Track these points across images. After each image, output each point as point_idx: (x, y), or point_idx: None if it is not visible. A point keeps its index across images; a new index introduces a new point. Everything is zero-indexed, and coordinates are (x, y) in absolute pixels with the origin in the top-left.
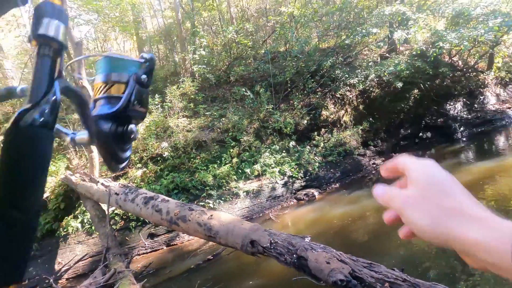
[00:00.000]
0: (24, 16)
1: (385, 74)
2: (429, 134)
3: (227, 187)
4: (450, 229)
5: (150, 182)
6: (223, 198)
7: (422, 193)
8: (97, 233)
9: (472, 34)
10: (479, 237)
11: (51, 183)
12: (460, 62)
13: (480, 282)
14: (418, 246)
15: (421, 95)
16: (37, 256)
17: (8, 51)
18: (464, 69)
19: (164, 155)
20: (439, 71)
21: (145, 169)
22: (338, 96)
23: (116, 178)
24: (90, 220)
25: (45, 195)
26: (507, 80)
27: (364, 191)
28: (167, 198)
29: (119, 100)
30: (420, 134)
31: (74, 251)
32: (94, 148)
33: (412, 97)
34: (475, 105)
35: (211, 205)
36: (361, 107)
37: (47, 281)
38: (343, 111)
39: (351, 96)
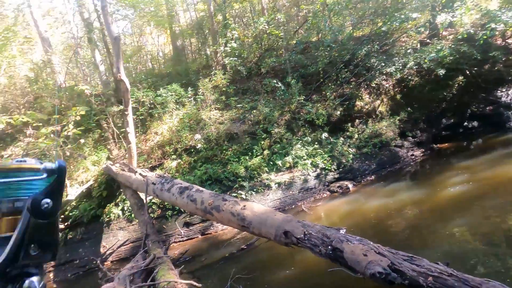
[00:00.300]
0: (69, 13)
1: (426, 61)
2: (475, 124)
3: (258, 178)
4: None
5: (184, 173)
6: (255, 190)
7: None
8: (137, 220)
9: None
10: None
11: (94, 172)
12: None
13: None
14: (464, 240)
15: (467, 82)
16: (85, 239)
17: (56, 47)
18: None
19: (197, 147)
20: (489, 55)
21: (179, 160)
22: (374, 85)
23: (152, 169)
24: (130, 208)
25: (88, 184)
26: None
27: (401, 183)
28: (201, 188)
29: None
30: (465, 123)
31: (117, 236)
32: (132, 138)
33: (456, 85)
34: None
35: (243, 196)
36: (398, 96)
37: (94, 262)
38: (378, 101)
39: (387, 85)
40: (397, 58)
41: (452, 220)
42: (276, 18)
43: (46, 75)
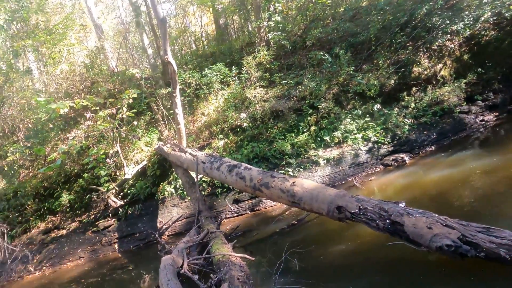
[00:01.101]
0: None
1: (510, 8)
2: None
3: (306, 155)
4: None
5: (231, 152)
6: (302, 166)
7: None
8: (189, 198)
9: None
10: None
11: (147, 152)
12: None
13: None
14: None
15: None
16: (143, 215)
17: (107, 33)
18: None
19: (243, 126)
20: None
21: (226, 139)
22: (435, 47)
23: (201, 148)
24: (181, 186)
25: (143, 163)
26: None
27: (468, 152)
28: (249, 166)
29: None
30: None
31: (171, 212)
32: (180, 119)
33: None
34: None
35: (291, 173)
36: (465, 56)
37: (153, 235)
38: (440, 65)
39: (452, 45)
40: (467, 12)
41: None
42: None
43: (100, 61)
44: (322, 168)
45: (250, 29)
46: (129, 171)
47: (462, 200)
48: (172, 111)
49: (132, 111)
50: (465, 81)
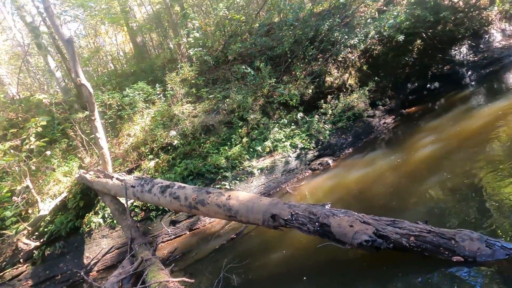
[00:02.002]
0: (7, 18)
1: (386, 28)
2: (437, 84)
3: (240, 167)
4: None
5: (164, 171)
6: (238, 178)
7: None
8: (120, 226)
9: None
10: None
11: (66, 183)
12: (461, 3)
13: (503, 226)
14: (439, 196)
15: (425, 45)
16: (65, 253)
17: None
18: (466, 9)
19: (174, 144)
20: (440, 16)
21: (157, 159)
22: (340, 59)
23: (130, 172)
24: (111, 214)
25: (62, 196)
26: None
27: (378, 152)
28: (183, 184)
29: None
30: (428, 85)
31: (100, 245)
32: (103, 144)
33: (416, 49)
34: (481, 46)
35: (227, 186)
36: (364, 67)
37: (78, 274)
38: (347, 75)
39: (353, 57)
40: (358, 29)
41: (426, 179)
42: (236, 2)
43: None
44: (257, 178)
45: (170, 45)
46: (45, 207)
47: (377, 195)
48: (92, 136)
49: (43, 140)
50: (367, 88)
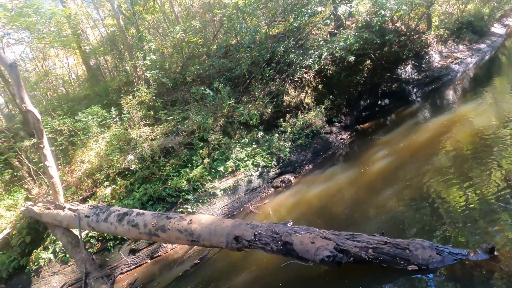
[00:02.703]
0: None
1: (337, 50)
2: (387, 101)
3: (202, 189)
4: None
5: (121, 198)
6: (200, 201)
7: None
8: (73, 260)
9: None
10: None
11: (10, 217)
12: (403, 27)
13: (454, 231)
14: (394, 207)
15: (374, 65)
16: None
17: None
18: (408, 33)
19: (131, 168)
20: (385, 38)
21: (114, 185)
22: (297, 79)
23: (84, 200)
24: (63, 248)
25: (4, 232)
26: (446, 36)
27: (336, 167)
28: (141, 211)
29: None
30: (379, 102)
31: (50, 283)
32: (53, 172)
33: (366, 68)
34: (423, 65)
35: (190, 210)
36: (320, 86)
37: None
38: (303, 94)
39: (308, 77)
40: (312, 51)
41: (383, 191)
42: (192, 25)
43: None
44: (220, 199)
45: (126, 68)
46: None
47: (337, 209)
48: (41, 165)
49: None
50: (323, 106)
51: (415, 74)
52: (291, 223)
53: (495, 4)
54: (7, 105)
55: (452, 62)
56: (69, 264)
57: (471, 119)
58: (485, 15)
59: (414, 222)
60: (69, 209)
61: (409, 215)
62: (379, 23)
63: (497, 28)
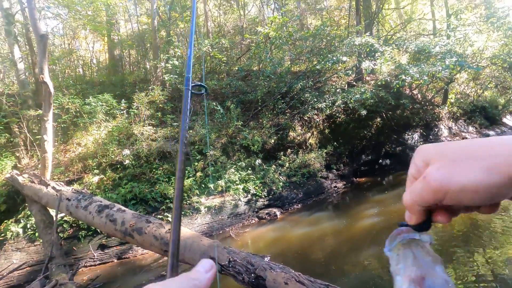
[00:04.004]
0: None
1: (351, 101)
2: (388, 161)
3: (188, 201)
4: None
5: (106, 190)
6: (183, 212)
7: (449, 156)
8: (41, 241)
9: (431, 70)
10: None
11: None
12: (419, 96)
13: None
14: (373, 268)
15: (383, 124)
16: None
17: None
18: (422, 102)
19: (124, 163)
20: (400, 102)
21: (102, 176)
22: (306, 118)
23: (69, 183)
24: (34, 225)
25: None
26: (458, 115)
27: (324, 213)
28: (123, 208)
29: None
30: (380, 160)
31: (10, 258)
32: (48, 147)
33: (375, 125)
34: (431, 136)
35: (170, 219)
36: (326, 131)
37: None
38: (309, 134)
39: (318, 119)
40: (327, 96)
41: (364, 250)
42: (221, 42)
43: None
44: (202, 216)
45: (147, 66)
46: None
47: (316, 256)
48: (39, 137)
49: None
50: (325, 151)
51: (421, 143)
52: (268, 258)
53: (511, 97)
54: (25, 71)
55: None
56: (35, 244)
57: None
58: (500, 104)
59: (388, 283)
60: (53, 187)
61: (386, 279)
62: (397, 86)
63: (509, 120)
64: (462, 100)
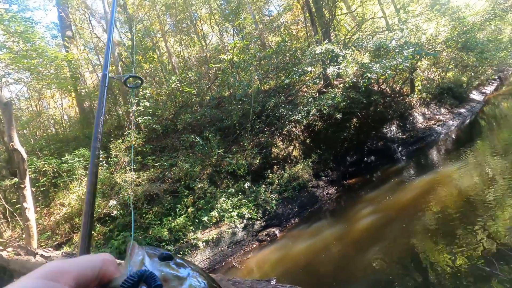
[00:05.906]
0: None
1: (325, 107)
2: (373, 158)
3: (184, 239)
4: None
5: (99, 245)
6: (181, 252)
7: None
8: None
9: (393, 64)
10: None
11: None
12: (388, 89)
13: None
14: (382, 266)
15: (360, 123)
16: None
17: None
18: (392, 95)
19: (112, 214)
20: (371, 99)
21: (92, 232)
22: (285, 133)
23: (58, 247)
24: None
25: None
26: (428, 100)
27: (322, 222)
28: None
29: None
30: (365, 158)
31: None
32: (30, 215)
33: (352, 126)
34: (407, 126)
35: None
36: (307, 140)
37: None
38: (291, 147)
39: (297, 131)
40: (301, 107)
41: (369, 250)
42: (188, 76)
43: None
44: (202, 252)
45: (119, 112)
46: None
47: (324, 266)
48: (19, 206)
49: None
50: (311, 160)
51: (400, 134)
52: (275, 280)
53: (472, 74)
54: None
55: (435, 124)
56: None
57: (455, 179)
58: (463, 82)
59: (403, 284)
60: (41, 255)
61: (398, 275)
62: (365, 84)
63: (475, 95)
64: (428, 86)
